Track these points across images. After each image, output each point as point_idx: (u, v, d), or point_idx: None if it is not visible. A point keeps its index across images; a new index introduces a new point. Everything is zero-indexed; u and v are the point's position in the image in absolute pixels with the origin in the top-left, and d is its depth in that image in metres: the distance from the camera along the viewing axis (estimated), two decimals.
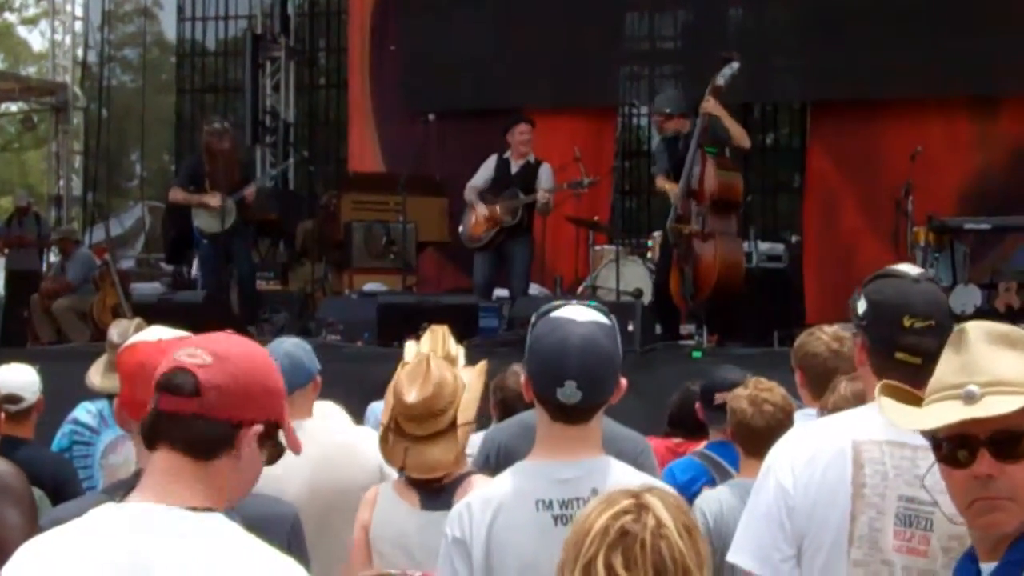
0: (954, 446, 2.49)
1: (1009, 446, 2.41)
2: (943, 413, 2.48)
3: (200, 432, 2.60)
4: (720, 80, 10.82)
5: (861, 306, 3.32)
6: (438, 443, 4.27)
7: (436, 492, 4.25)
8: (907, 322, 3.21)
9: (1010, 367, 2.46)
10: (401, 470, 4.33)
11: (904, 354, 3.19)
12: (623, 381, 3.44)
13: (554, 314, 3.42)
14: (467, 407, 4.33)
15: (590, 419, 3.40)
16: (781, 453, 3.27)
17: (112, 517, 2.58)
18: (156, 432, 2.63)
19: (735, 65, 10.86)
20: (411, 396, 4.25)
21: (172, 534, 2.53)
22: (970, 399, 2.44)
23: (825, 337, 5.06)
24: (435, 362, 4.34)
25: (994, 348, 2.48)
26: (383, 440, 4.38)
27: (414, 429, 4.27)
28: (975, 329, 2.53)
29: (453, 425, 4.30)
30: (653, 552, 2.28)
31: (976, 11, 13.26)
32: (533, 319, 3.46)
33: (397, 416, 4.32)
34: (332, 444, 4.91)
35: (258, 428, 2.65)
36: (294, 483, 4.60)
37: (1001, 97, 13.78)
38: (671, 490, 2.53)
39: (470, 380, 4.40)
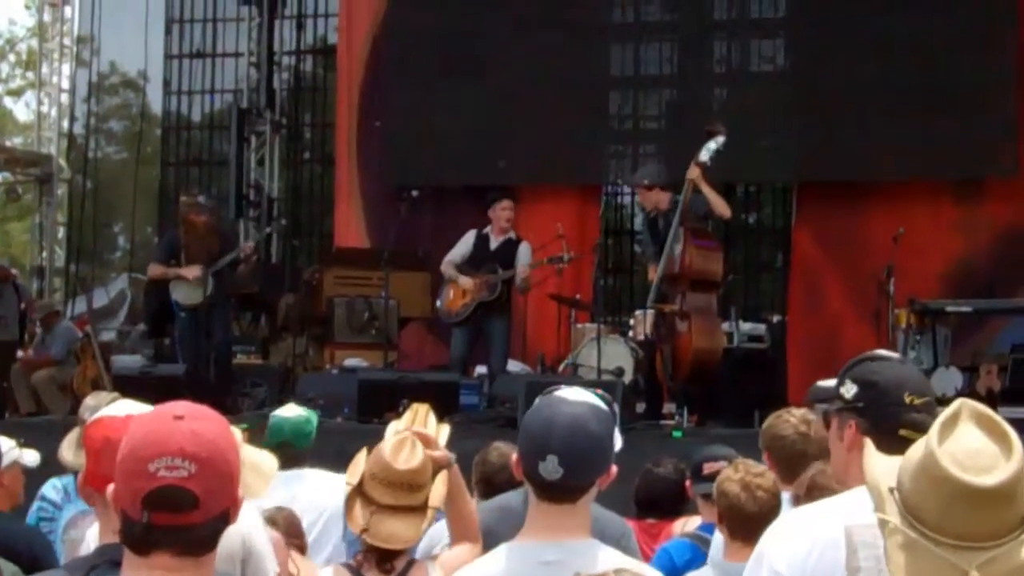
0: None
1: None
2: None
3: (201, 535, 2.52)
4: (704, 154, 10.67)
5: (850, 390, 3.35)
6: (407, 518, 4.29)
7: None
8: (908, 399, 3.27)
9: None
10: (362, 533, 4.31)
11: (908, 430, 3.19)
12: (613, 468, 3.38)
13: (551, 393, 3.43)
14: (438, 493, 4.33)
15: (576, 499, 3.34)
16: (774, 540, 3.23)
17: None
18: (152, 542, 2.51)
19: (720, 139, 10.71)
20: (400, 463, 4.27)
21: None
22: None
23: (793, 420, 5.04)
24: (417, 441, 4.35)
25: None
26: (349, 501, 4.36)
27: (388, 497, 4.28)
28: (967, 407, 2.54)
29: (425, 505, 4.28)
30: None
31: (961, 95, 13.34)
32: (537, 400, 3.46)
33: (373, 480, 4.31)
34: None
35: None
36: None
37: (985, 180, 13.83)
38: (650, 570, 2.48)
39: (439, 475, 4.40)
